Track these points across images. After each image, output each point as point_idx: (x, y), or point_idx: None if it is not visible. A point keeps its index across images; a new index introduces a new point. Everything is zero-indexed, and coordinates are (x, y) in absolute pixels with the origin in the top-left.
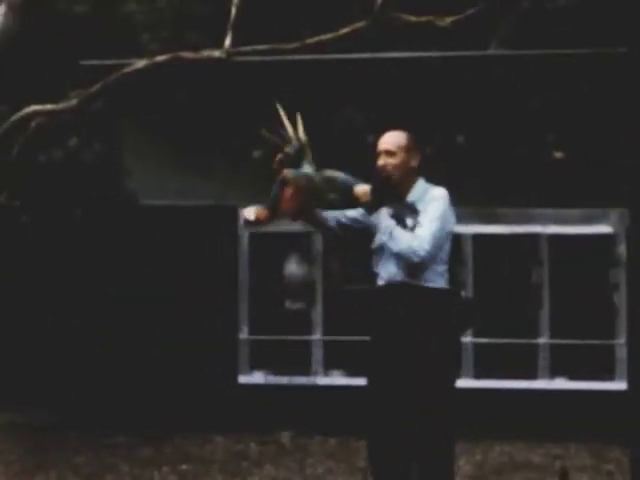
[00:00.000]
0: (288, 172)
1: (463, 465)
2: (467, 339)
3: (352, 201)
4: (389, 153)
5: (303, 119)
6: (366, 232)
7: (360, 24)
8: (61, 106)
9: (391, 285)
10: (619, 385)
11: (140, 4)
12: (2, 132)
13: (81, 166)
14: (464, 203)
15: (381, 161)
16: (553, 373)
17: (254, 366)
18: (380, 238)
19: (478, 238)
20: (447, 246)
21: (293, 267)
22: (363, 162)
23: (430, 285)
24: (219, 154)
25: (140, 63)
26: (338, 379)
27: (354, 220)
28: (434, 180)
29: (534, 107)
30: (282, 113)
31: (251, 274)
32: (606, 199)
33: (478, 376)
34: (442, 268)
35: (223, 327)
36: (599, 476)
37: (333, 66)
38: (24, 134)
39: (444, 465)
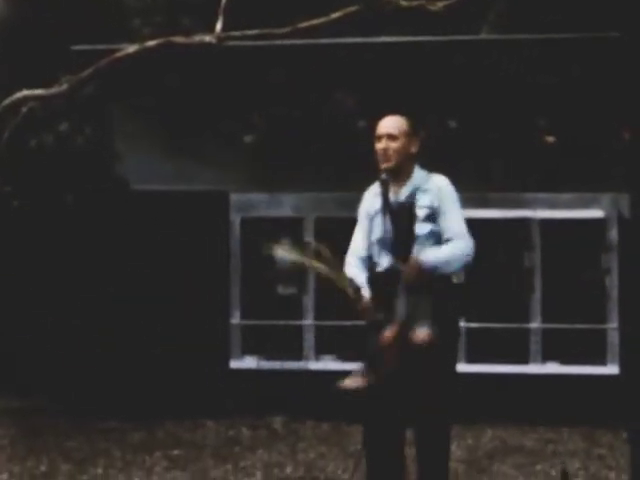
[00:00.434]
0: (389, 334)
1: (455, 449)
2: (460, 324)
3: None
4: (391, 137)
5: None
6: None
7: (352, 8)
8: (52, 91)
9: (391, 270)
10: (611, 369)
11: None
12: None
13: (72, 151)
14: (456, 187)
15: (382, 144)
16: (545, 357)
17: (246, 351)
18: (379, 231)
19: (470, 222)
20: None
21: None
22: (354, 146)
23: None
24: (211, 139)
25: (131, 48)
26: (330, 364)
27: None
28: (426, 165)
29: (526, 92)
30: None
31: (243, 259)
32: (598, 183)
33: (470, 360)
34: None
35: (215, 312)
36: (591, 460)
37: (324, 51)
38: (15, 119)
39: (441, 449)
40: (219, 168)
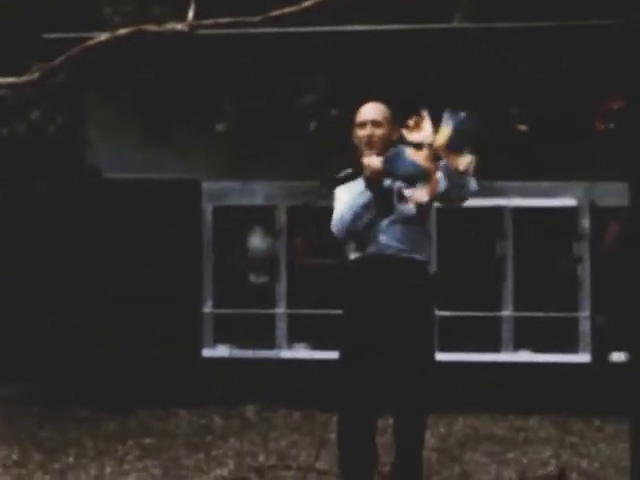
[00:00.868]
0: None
1: (428, 438)
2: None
3: None
4: (376, 124)
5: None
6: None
7: None
8: (23, 79)
9: (380, 256)
10: (583, 357)
11: None
12: None
13: (44, 139)
14: None
15: (367, 131)
16: (517, 346)
17: (218, 339)
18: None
19: (442, 211)
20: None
21: (257, 241)
22: (326, 135)
23: (415, 257)
24: (183, 127)
25: (103, 36)
26: (302, 352)
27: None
28: None
29: (498, 80)
30: None
31: (215, 248)
32: (570, 172)
33: (442, 349)
34: (428, 242)
35: (187, 301)
36: (563, 448)
37: (297, 39)
38: None
39: (419, 437)
40: (191, 156)
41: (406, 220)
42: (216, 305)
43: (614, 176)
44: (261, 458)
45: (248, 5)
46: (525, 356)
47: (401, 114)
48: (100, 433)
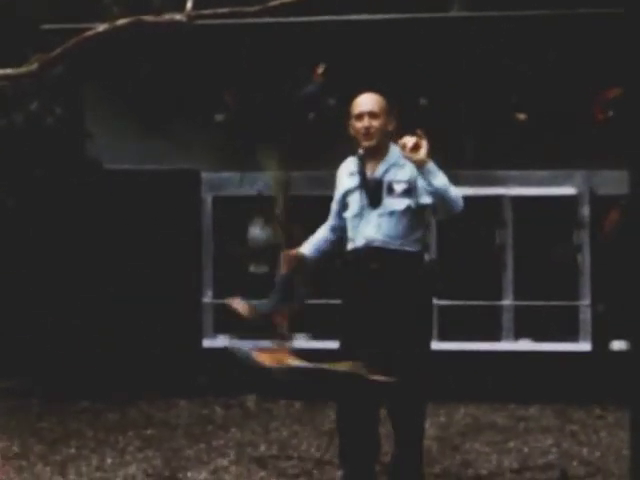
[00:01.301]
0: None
1: (428, 427)
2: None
3: None
4: (373, 115)
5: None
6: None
7: None
8: (22, 70)
9: (368, 248)
10: (583, 346)
11: None
12: None
13: (43, 131)
14: None
15: (365, 122)
16: (517, 335)
17: (218, 330)
18: (356, 207)
19: None
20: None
21: (257, 231)
22: (325, 125)
23: (406, 249)
24: (182, 118)
25: (101, 27)
26: (302, 342)
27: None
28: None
29: (497, 68)
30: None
31: (215, 238)
32: (570, 160)
33: (442, 338)
34: (419, 234)
35: (187, 291)
36: (563, 437)
37: (295, 29)
38: None
39: (417, 427)
40: (190, 147)
41: (394, 212)
42: (216, 295)
43: (614, 164)
44: (262, 448)
45: None
46: (526, 345)
47: (399, 104)
48: (100, 424)
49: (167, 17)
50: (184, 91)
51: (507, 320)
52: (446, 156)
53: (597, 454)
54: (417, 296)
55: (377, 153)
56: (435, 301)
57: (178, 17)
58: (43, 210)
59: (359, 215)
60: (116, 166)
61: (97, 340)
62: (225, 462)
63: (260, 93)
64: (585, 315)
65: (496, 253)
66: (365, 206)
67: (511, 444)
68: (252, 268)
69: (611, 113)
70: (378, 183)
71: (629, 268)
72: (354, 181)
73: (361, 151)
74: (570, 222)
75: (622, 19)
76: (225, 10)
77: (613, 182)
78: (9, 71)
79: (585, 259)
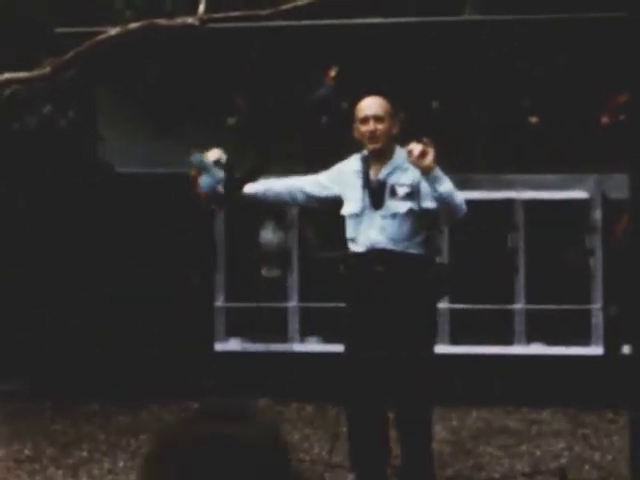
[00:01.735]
0: None
1: (440, 431)
2: (443, 305)
3: None
4: (378, 119)
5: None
6: (328, 204)
7: None
8: (35, 74)
9: (372, 251)
10: (595, 350)
11: None
12: None
13: (55, 134)
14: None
15: (370, 126)
16: (529, 339)
17: (230, 333)
18: (356, 206)
19: None
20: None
21: (269, 234)
22: (338, 128)
23: (411, 252)
24: (194, 121)
25: (114, 30)
26: (314, 346)
27: (311, 197)
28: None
29: (508, 72)
30: None
31: (227, 242)
32: (582, 164)
33: (454, 342)
34: (422, 237)
35: (199, 295)
36: (575, 440)
37: (308, 32)
38: None
39: (423, 430)
40: (203, 150)
41: (397, 215)
42: (228, 299)
43: (625, 168)
44: None
45: None
46: (538, 349)
47: (412, 107)
48: (112, 427)
49: (179, 20)
50: (196, 94)
51: (519, 324)
52: (458, 159)
53: (609, 458)
54: (421, 299)
55: (382, 156)
56: (446, 304)
57: (190, 20)
58: (54, 212)
59: (359, 216)
60: (128, 169)
61: (109, 343)
62: None
63: (272, 96)
64: (597, 319)
65: (508, 257)
66: (367, 207)
67: (523, 448)
68: (264, 272)
69: (622, 117)
70: (381, 185)
71: (634, 272)
72: (357, 180)
73: (365, 152)
74: (582, 226)
75: (630, 23)
76: (237, 13)
77: (625, 186)
78: (22, 74)
79: (597, 263)
